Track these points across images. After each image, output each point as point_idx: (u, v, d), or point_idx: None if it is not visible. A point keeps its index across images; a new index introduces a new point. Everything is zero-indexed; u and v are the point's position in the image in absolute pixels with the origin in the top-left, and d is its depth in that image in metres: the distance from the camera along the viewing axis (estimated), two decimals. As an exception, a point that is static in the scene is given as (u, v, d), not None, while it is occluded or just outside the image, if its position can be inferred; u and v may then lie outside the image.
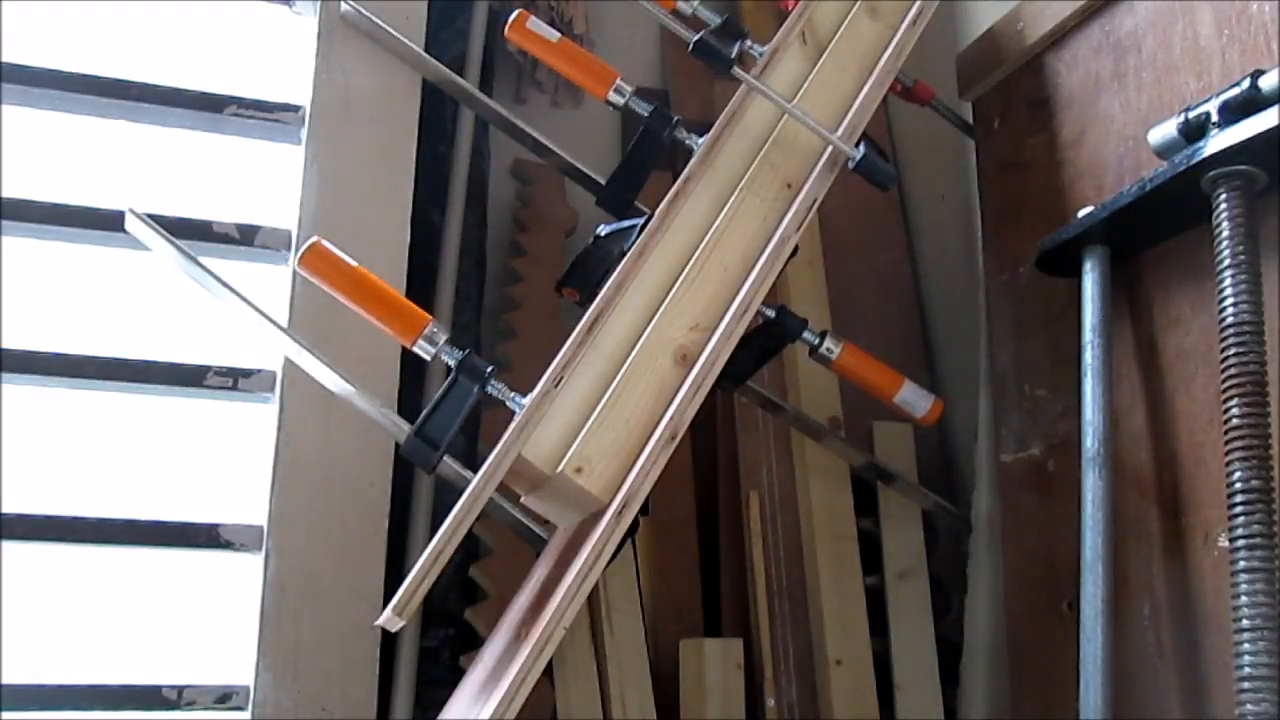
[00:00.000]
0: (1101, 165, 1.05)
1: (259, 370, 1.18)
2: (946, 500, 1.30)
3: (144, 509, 1.15)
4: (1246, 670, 0.71)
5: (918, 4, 1.08)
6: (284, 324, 1.12)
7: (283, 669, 1.07)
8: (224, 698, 1.09)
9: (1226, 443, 0.77)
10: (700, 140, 0.97)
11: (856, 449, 1.27)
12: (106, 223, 1.16)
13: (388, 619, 0.72)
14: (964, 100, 1.29)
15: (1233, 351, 0.78)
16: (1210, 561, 0.85)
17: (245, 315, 1.02)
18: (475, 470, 0.81)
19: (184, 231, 1.15)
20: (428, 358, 0.87)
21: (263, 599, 1.08)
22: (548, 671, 1.18)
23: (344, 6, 1.23)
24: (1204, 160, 0.83)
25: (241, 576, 1.13)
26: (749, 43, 1.01)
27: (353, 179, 1.21)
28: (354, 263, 0.89)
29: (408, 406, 1.17)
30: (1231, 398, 0.77)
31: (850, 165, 0.99)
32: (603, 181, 1.05)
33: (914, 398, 1.05)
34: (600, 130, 1.57)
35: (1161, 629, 0.89)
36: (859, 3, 1.08)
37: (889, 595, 1.24)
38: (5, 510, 1.09)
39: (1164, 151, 0.91)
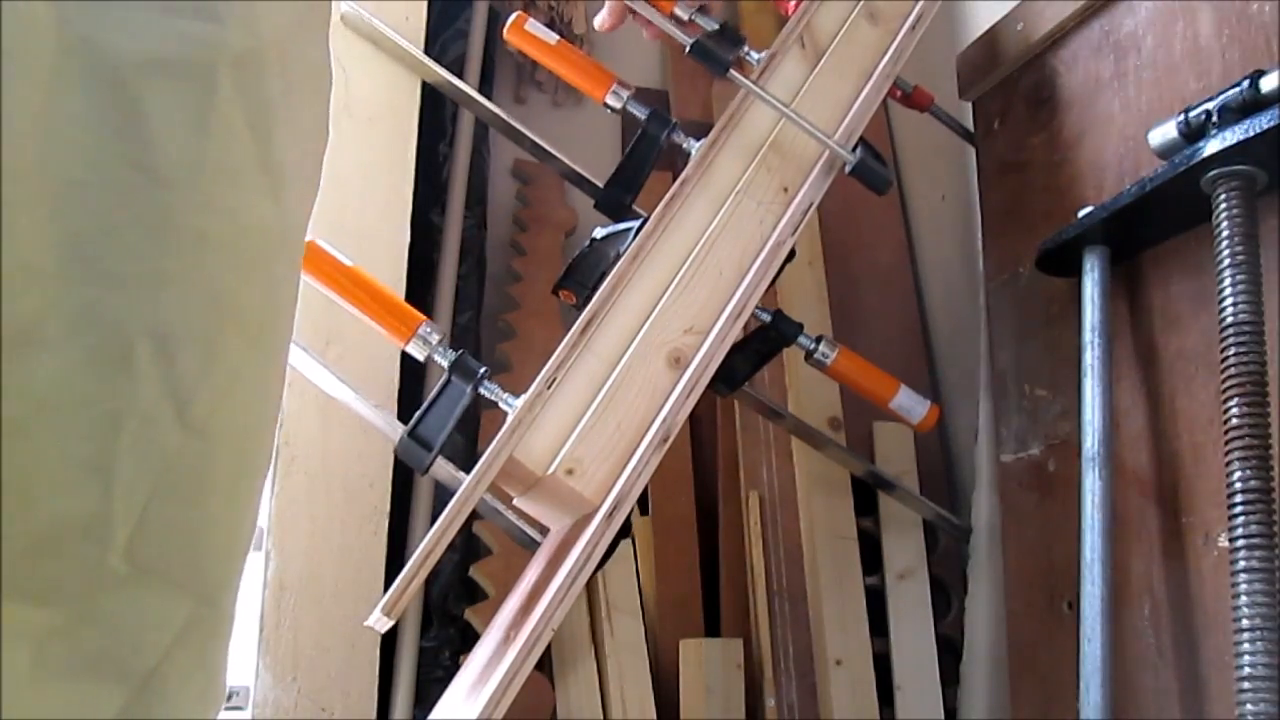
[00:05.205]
0: (1101, 165, 1.04)
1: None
2: (947, 499, 1.30)
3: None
4: (1246, 670, 0.70)
5: (918, 7, 1.08)
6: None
7: (283, 669, 1.07)
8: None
9: (1226, 443, 0.76)
10: (697, 144, 0.97)
11: (857, 455, 1.26)
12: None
13: (376, 619, 0.72)
14: (964, 101, 1.29)
15: (1233, 351, 0.77)
16: (1210, 561, 0.85)
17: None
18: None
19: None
20: (421, 358, 0.87)
21: (263, 599, 1.08)
22: (548, 671, 1.18)
23: (344, 7, 1.23)
24: (1204, 160, 0.82)
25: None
26: (746, 48, 1.01)
27: (353, 180, 1.21)
28: (349, 262, 0.89)
29: (410, 407, 1.17)
30: (1231, 398, 0.77)
31: (847, 169, 0.98)
32: (600, 184, 1.05)
33: (910, 403, 1.05)
34: (602, 129, 1.56)
35: (1161, 629, 0.89)
36: (858, 6, 1.08)
37: (889, 595, 1.23)
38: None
39: (1164, 152, 0.90)
